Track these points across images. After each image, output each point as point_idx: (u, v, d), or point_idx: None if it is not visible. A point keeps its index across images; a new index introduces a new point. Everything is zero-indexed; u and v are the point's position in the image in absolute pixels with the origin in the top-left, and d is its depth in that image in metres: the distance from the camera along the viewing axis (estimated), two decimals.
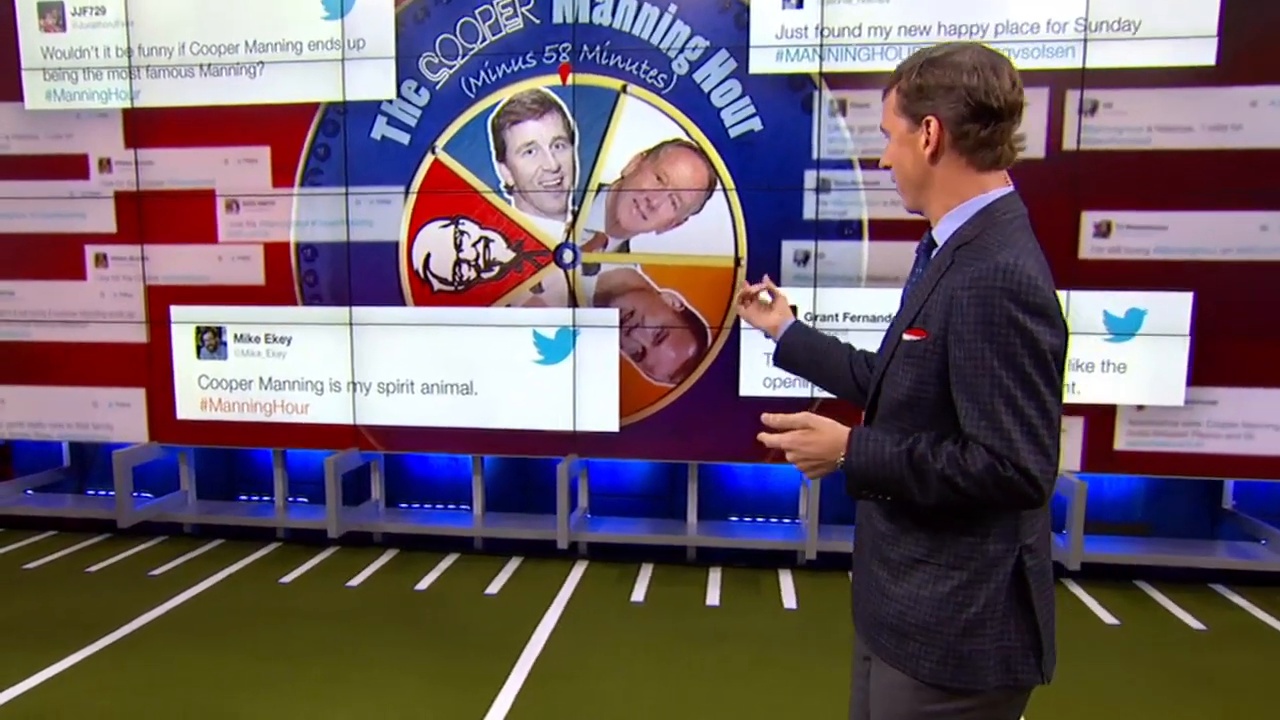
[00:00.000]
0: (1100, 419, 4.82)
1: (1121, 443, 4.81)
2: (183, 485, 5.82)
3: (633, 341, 5.05)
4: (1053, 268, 1.63)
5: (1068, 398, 4.76)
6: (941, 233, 1.64)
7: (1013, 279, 1.46)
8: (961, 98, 1.55)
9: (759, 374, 4.98)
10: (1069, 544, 4.74)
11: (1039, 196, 4.62)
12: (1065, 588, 4.85)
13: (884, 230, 4.79)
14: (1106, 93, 4.60)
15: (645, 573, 5.03)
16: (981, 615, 1.57)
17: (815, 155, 4.81)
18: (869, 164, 4.76)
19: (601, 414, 5.11)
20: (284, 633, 4.21)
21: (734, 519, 5.44)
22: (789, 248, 4.85)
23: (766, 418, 1.70)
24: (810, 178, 4.81)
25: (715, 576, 4.99)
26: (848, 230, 4.80)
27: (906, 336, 1.61)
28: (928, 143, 1.59)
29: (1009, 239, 1.54)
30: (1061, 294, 4.68)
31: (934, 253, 1.66)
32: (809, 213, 4.83)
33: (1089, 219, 4.70)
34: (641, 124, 4.88)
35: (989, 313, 1.46)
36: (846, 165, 4.77)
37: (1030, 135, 4.62)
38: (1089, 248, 4.72)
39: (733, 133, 4.83)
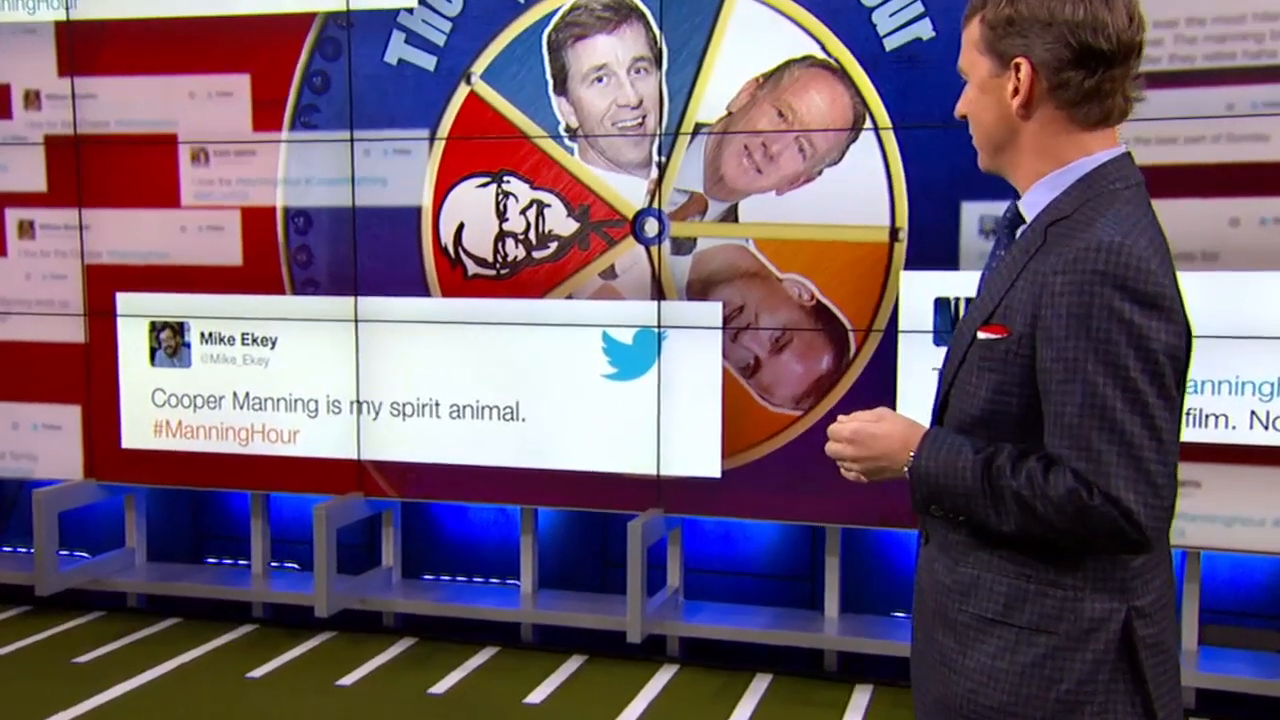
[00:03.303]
0: None
1: None
2: (128, 541, 6.04)
3: (742, 349, 5.05)
4: None
5: None
6: (1031, 205, 1.83)
7: (1118, 260, 1.63)
8: (1061, 36, 1.70)
9: (926, 394, 4.92)
10: None
11: None
12: None
13: None
14: None
15: (759, 685, 5.00)
16: (1077, 694, 1.71)
17: None
18: None
19: (697, 452, 5.10)
20: None
21: (899, 614, 5.34)
22: (972, 212, 4.74)
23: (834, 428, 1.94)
24: None
25: (862, 697, 4.91)
26: None
27: (981, 335, 1.79)
28: (1017, 91, 1.76)
29: (1117, 212, 1.70)
30: None
31: (1020, 230, 1.85)
32: None
33: None
34: (757, 36, 4.86)
35: (1085, 303, 1.63)
36: None
37: None
38: None
39: (890, 44, 4.76)
